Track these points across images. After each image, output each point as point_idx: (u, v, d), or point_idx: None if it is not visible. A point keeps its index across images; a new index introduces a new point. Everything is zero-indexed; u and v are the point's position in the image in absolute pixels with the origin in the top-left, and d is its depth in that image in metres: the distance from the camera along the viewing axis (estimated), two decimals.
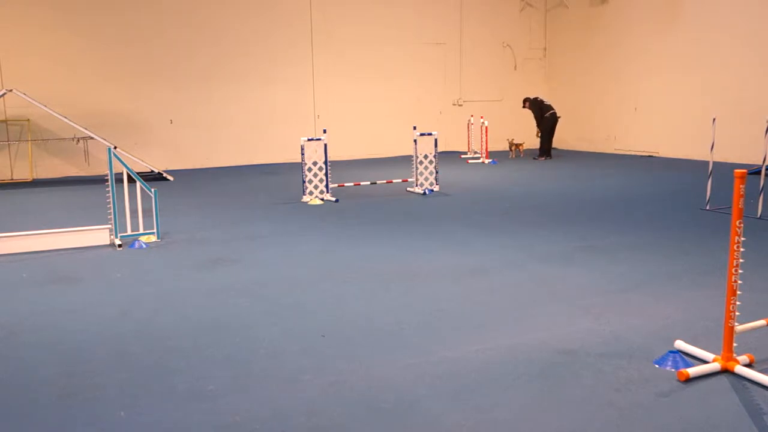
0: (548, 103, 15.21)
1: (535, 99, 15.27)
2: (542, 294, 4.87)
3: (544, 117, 15.04)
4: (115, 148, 8.77)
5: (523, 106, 15.47)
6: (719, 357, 3.47)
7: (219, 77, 14.49)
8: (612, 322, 4.21)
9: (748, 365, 3.46)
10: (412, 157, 10.45)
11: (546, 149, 15.07)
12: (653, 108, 15.07)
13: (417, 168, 10.19)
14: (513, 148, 15.87)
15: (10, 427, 3.01)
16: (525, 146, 16.20)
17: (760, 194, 7.56)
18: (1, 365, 3.71)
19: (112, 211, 6.69)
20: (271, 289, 5.13)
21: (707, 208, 8.15)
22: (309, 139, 9.51)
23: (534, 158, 15.15)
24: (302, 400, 3.21)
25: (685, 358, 3.55)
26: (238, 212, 8.73)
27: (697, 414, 3.01)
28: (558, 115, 15.12)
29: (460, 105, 17.26)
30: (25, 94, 11.44)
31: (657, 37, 14.77)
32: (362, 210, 8.72)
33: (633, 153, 15.62)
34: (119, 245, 6.66)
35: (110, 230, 6.82)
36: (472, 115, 16.16)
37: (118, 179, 6.84)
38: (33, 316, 4.58)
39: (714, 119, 8.51)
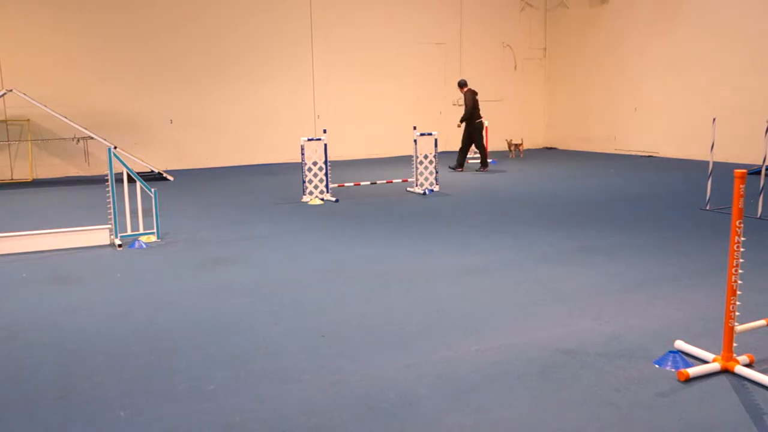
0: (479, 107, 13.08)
1: (474, 91, 13.05)
2: (542, 294, 4.87)
3: (475, 123, 12.84)
4: (115, 148, 8.76)
5: (459, 86, 13.19)
6: (719, 357, 3.47)
7: (219, 77, 14.49)
8: (612, 322, 4.21)
9: (748, 365, 3.46)
10: (412, 157, 10.45)
11: (463, 160, 13.10)
12: (653, 108, 15.07)
13: (417, 168, 10.19)
14: (512, 148, 15.87)
15: (10, 427, 3.01)
16: (524, 146, 16.18)
17: (760, 194, 7.56)
18: (1, 365, 3.71)
19: (112, 211, 6.69)
20: (271, 289, 5.13)
21: (707, 208, 8.15)
22: (309, 139, 9.51)
23: (451, 168, 13.06)
24: (302, 400, 3.21)
25: (685, 358, 3.55)
26: (238, 212, 8.72)
27: (697, 414, 3.01)
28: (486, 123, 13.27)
29: (460, 105, 17.19)
30: (25, 94, 11.44)
31: (657, 37, 14.77)
32: (362, 210, 8.72)
33: (633, 153, 15.62)
34: (119, 245, 6.65)
35: (110, 230, 6.81)
36: None
37: (118, 179, 6.84)
38: (33, 316, 4.58)
39: (714, 119, 8.53)
